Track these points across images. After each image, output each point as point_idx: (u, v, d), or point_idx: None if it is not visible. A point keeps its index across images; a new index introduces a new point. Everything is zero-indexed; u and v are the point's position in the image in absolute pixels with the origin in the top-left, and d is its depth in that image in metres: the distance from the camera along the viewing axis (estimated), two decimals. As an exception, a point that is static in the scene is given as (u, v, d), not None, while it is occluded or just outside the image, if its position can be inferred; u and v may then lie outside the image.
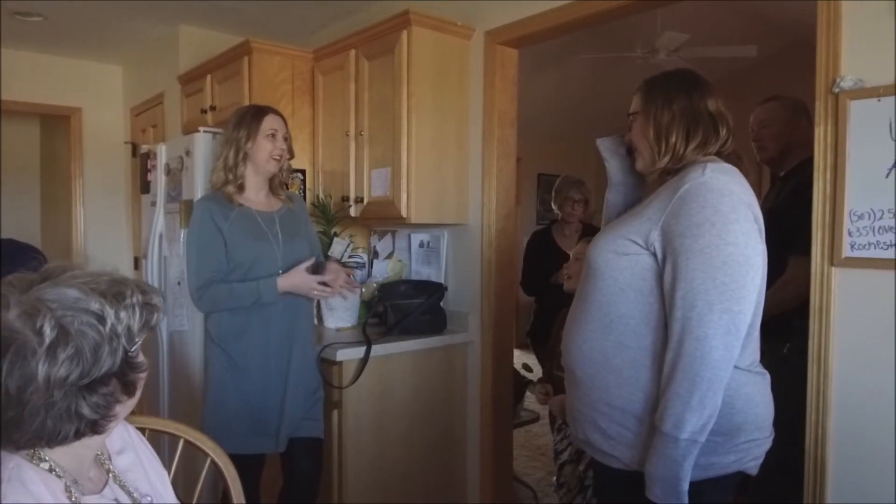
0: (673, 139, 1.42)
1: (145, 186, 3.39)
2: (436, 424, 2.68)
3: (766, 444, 1.42)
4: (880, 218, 1.60)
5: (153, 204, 3.21)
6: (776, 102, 2.32)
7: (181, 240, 2.88)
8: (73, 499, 0.89)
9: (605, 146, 1.64)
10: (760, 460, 1.42)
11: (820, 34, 1.70)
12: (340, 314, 2.79)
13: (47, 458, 0.89)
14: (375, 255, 3.31)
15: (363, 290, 2.91)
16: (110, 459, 1.03)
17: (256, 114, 2.11)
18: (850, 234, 1.65)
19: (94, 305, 0.86)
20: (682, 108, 1.43)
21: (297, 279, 2.07)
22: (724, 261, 1.28)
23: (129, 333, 0.89)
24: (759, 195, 1.47)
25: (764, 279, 1.39)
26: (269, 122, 2.10)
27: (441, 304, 2.75)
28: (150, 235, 3.22)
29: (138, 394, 0.95)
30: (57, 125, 4.95)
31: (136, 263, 4.30)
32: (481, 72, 2.68)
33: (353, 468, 2.41)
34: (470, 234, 2.76)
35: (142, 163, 3.46)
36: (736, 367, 1.33)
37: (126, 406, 0.93)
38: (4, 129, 4.95)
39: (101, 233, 4.69)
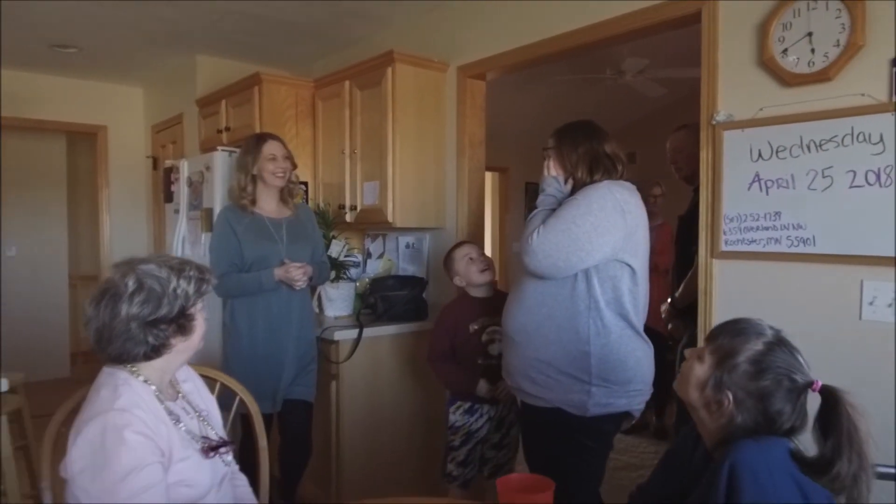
0: (579, 174, 1.93)
1: (168, 196, 3.89)
2: (418, 395, 3.16)
3: (647, 394, 1.94)
4: (745, 220, 2.10)
5: (176, 212, 3.71)
6: (685, 130, 2.78)
7: (202, 242, 3.38)
8: (160, 400, 1.39)
9: None
10: (643, 405, 1.94)
11: (703, 78, 2.21)
12: (338, 304, 3.28)
13: (141, 374, 1.38)
14: (369, 254, 3.81)
15: (358, 284, 3.40)
16: (179, 384, 1.53)
17: (257, 142, 2.61)
18: (725, 233, 2.14)
19: (163, 273, 1.36)
20: (586, 151, 1.94)
21: (281, 271, 2.53)
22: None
23: (186, 295, 1.38)
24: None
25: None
26: (269, 148, 2.59)
27: (423, 295, 3.24)
28: (173, 239, 3.71)
29: (194, 337, 1.42)
30: (82, 141, 5.45)
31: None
32: (455, 100, 3.19)
33: (348, 429, 2.90)
34: (447, 236, 3.26)
35: (165, 176, 3.96)
36: (630, 325, 1.85)
37: (185, 343, 1.40)
38: (36, 146, 5.46)
39: (125, 237, 5.19)
